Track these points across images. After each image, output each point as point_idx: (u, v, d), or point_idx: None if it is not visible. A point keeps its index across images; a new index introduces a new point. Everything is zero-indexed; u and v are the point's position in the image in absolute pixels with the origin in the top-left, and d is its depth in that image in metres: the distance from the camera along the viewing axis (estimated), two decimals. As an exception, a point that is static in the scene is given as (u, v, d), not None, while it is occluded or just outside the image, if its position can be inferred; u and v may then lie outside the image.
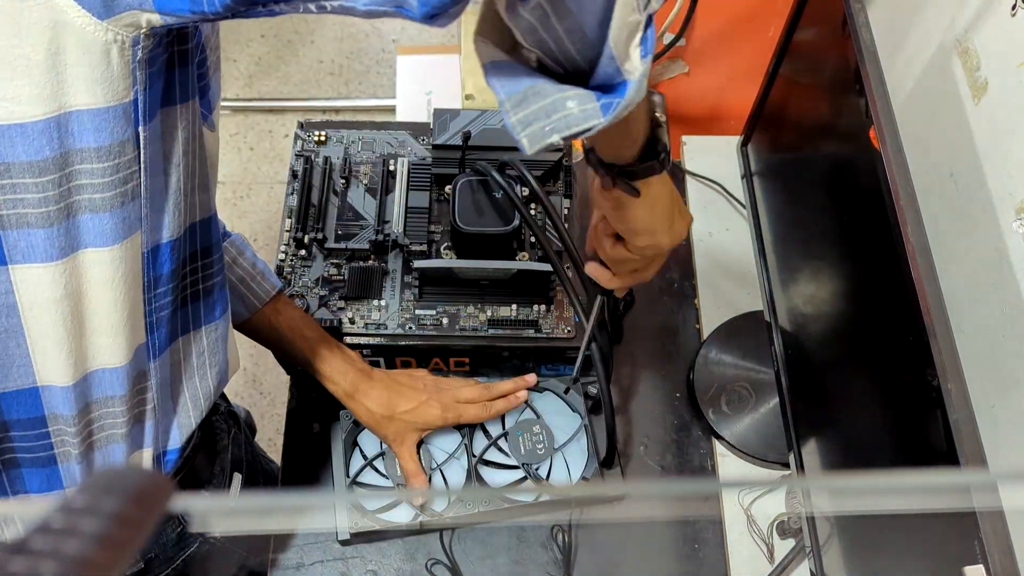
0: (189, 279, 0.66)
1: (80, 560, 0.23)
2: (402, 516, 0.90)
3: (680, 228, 0.70)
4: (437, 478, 0.92)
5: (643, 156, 0.62)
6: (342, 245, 0.96)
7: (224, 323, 0.72)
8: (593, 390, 0.95)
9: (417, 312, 0.93)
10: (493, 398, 0.92)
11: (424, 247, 0.95)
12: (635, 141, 0.61)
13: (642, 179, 0.63)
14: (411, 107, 1.58)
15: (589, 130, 0.49)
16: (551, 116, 0.49)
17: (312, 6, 0.47)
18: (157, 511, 0.27)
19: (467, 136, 0.96)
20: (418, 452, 0.90)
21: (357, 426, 0.94)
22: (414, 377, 0.91)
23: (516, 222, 0.90)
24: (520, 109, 0.49)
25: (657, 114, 0.63)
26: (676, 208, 0.69)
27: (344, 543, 0.92)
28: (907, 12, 0.85)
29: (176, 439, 0.71)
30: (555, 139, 0.49)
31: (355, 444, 0.93)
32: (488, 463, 0.93)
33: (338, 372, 0.86)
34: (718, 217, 1.15)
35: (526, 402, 0.95)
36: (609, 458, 0.93)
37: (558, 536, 0.93)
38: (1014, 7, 0.68)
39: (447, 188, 0.98)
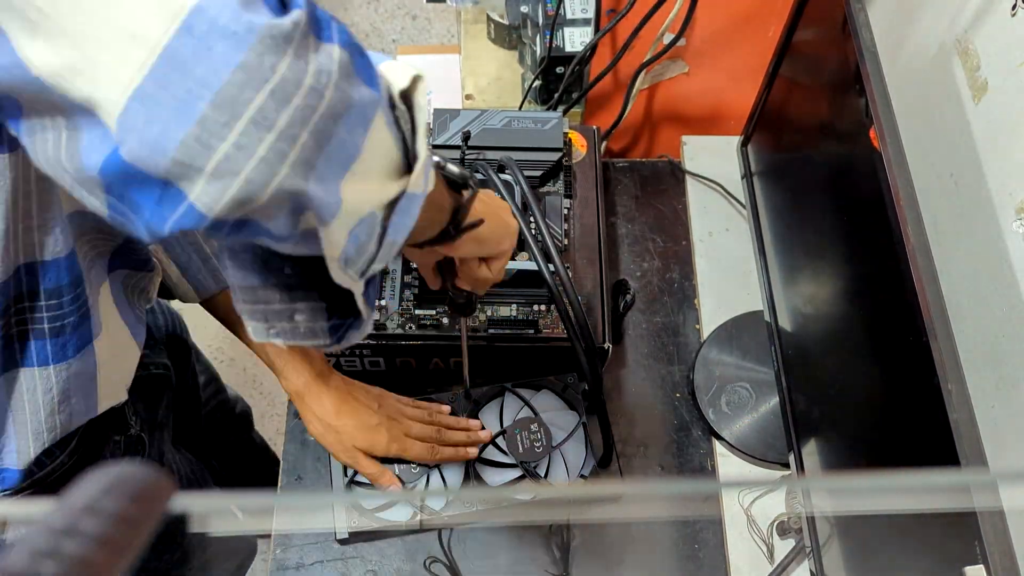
0: (15, 319, 0.63)
1: (80, 560, 0.23)
2: (400, 515, 0.90)
3: (510, 220, 0.68)
4: (435, 477, 0.92)
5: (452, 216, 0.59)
6: (342, 245, 0.95)
7: (81, 363, 0.69)
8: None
9: (417, 312, 0.93)
10: (443, 443, 0.89)
11: (424, 247, 0.95)
12: (441, 217, 0.59)
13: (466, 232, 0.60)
14: (411, 107, 1.57)
15: (317, 345, 0.51)
16: (277, 322, 0.50)
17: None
18: (157, 511, 0.27)
19: (467, 136, 0.96)
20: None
21: None
22: (371, 395, 0.87)
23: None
24: (249, 302, 0.50)
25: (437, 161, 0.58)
26: (500, 207, 0.67)
27: (343, 542, 0.92)
28: (907, 12, 0.85)
29: (11, 461, 0.70)
30: (279, 342, 0.50)
31: (355, 444, 0.93)
32: (486, 461, 0.93)
33: (293, 368, 0.82)
34: (718, 217, 1.15)
35: (524, 401, 0.95)
36: (607, 457, 0.93)
37: (557, 535, 0.93)
38: (1014, 7, 0.68)
39: (447, 188, 0.98)
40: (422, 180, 0.46)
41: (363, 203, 0.43)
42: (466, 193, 0.60)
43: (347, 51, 0.41)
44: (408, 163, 0.46)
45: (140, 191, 0.39)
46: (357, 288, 0.48)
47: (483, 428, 0.93)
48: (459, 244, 0.61)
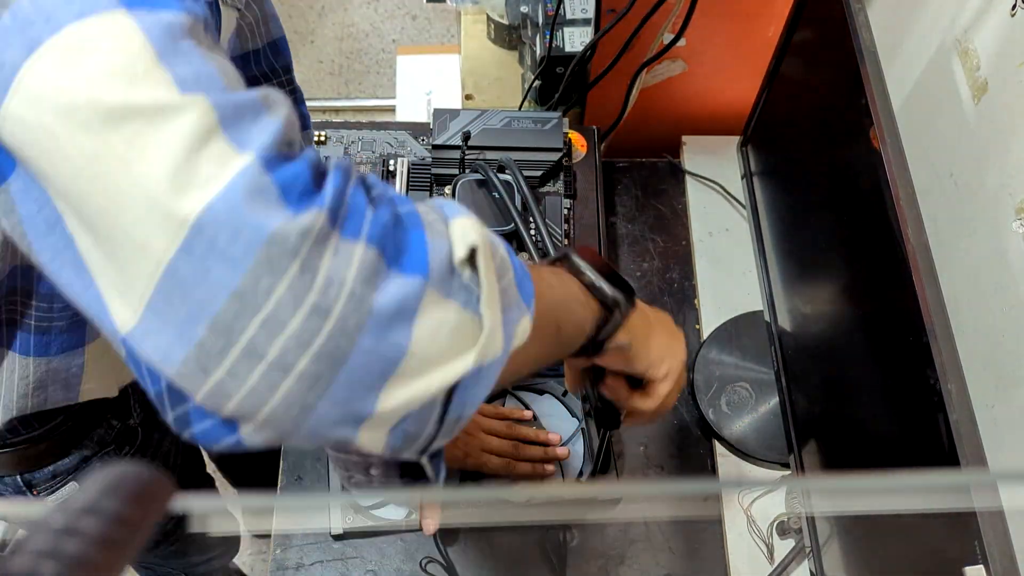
0: (5, 307, 0.64)
1: (80, 560, 0.23)
2: (396, 513, 0.90)
3: (672, 346, 0.65)
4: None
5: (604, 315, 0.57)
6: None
7: (64, 361, 0.69)
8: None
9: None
10: (520, 458, 0.87)
11: (424, 247, 0.95)
12: (578, 338, 0.56)
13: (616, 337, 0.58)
14: (411, 107, 1.58)
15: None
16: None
17: None
18: (157, 511, 0.27)
19: (467, 136, 0.96)
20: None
21: None
22: None
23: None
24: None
25: (587, 275, 0.57)
26: (664, 329, 0.64)
27: (338, 538, 0.92)
28: (907, 12, 0.85)
29: None
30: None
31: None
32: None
33: None
34: (718, 217, 1.14)
35: (525, 404, 0.95)
36: (604, 466, 0.93)
37: (556, 535, 0.93)
38: (1014, 7, 0.68)
39: (447, 188, 0.98)
40: (496, 346, 0.42)
41: (408, 403, 0.39)
42: (617, 312, 0.57)
43: (376, 246, 0.38)
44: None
45: (152, 376, 0.40)
46: (420, 460, 0.46)
47: (561, 443, 0.90)
48: (603, 357, 0.59)
